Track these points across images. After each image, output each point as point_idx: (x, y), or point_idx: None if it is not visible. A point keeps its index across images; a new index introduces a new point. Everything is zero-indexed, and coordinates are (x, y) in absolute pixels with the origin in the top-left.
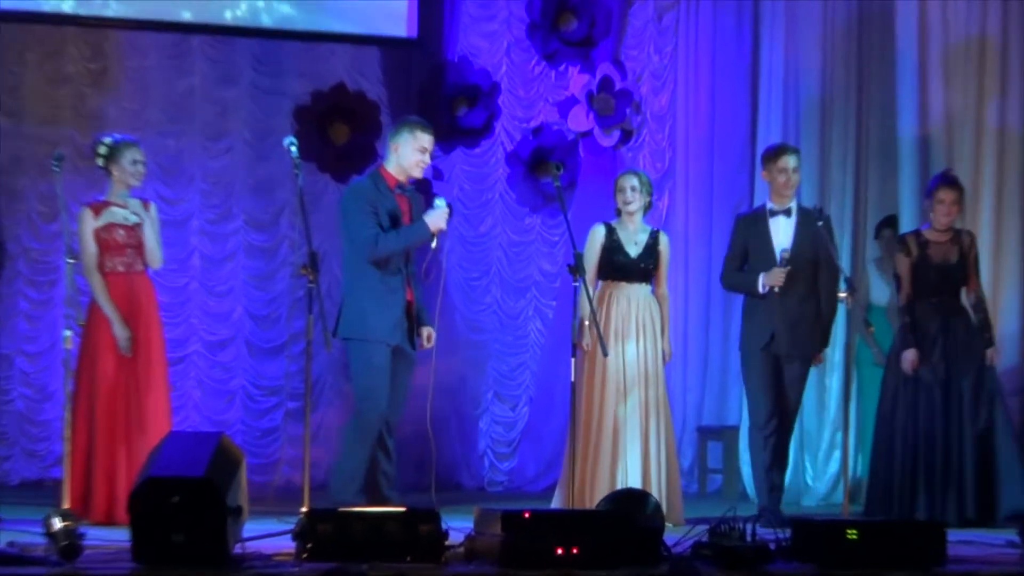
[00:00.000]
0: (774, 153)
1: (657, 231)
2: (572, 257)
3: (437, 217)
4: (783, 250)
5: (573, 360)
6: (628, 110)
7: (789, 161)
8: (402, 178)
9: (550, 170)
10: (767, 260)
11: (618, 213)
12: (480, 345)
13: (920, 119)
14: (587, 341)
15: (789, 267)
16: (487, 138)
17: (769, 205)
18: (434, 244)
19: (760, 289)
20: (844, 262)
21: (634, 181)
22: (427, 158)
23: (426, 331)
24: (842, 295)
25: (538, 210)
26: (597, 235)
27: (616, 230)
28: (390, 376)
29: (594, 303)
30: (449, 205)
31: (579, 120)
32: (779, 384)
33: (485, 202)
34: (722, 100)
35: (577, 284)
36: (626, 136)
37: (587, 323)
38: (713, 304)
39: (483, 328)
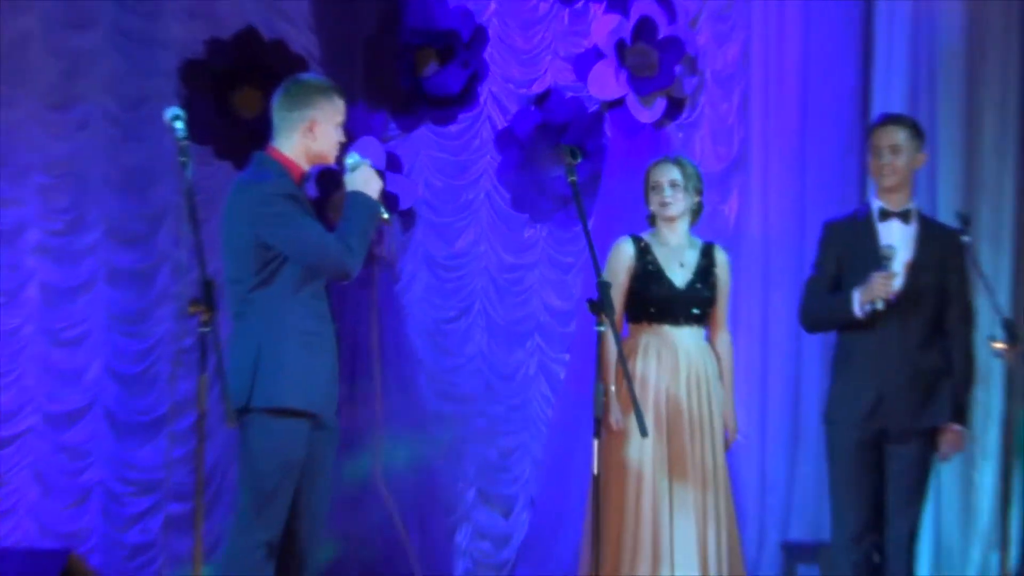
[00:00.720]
0: (868, 128)
1: (711, 246)
2: (595, 288)
3: (364, 177)
4: (888, 248)
5: (596, 443)
6: (678, 68)
7: (886, 135)
8: (307, 168)
9: (562, 158)
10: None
11: (652, 221)
12: (457, 420)
13: None
14: (616, 416)
15: (896, 273)
16: (468, 110)
17: (877, 204)
18: (386, 216)
19: (856, 311)
20: (1002, 296)
21: (674, 173)
22: (341, 134)
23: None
24: (998, 346)
25: (544, 218)
26: (623, 255)
27: (651, 247)
28: (300, 472)
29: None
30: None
31: (605, 83)
32: (883, 477)
33: (464, 206)
34: (819, 58)
35: (603, 329)
36: (675, 107)
37: (614, 388)
38: (807, 356)
39: (461, 394)
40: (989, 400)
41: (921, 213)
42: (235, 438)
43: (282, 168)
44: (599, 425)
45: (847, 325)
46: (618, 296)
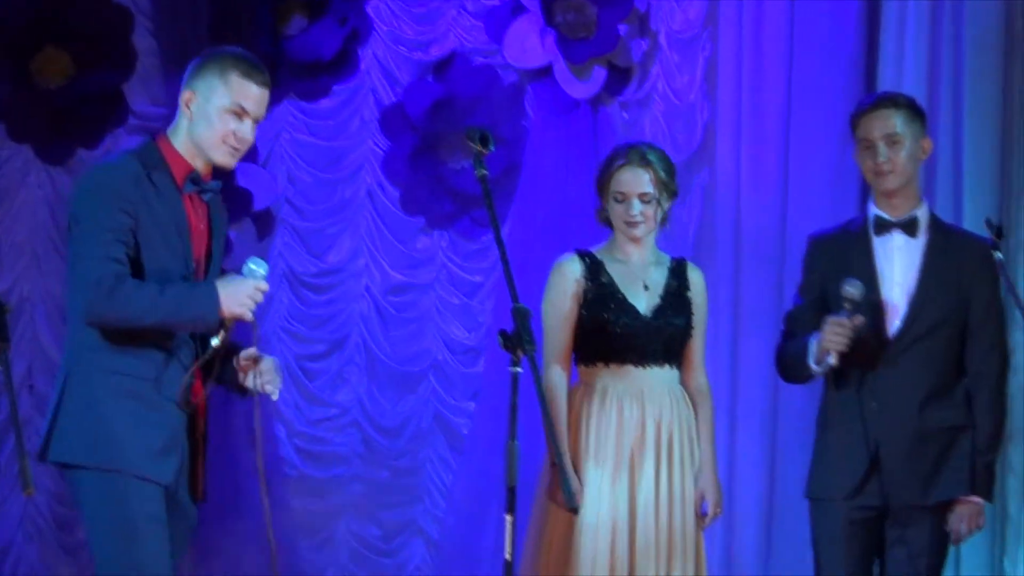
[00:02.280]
0: (853, 115)
1: (683, 262)
2: (509, 317)
3: (238, 293)
4: (852, 288)
5: (509, 520)
6: (623, 28)
7: (878, 123)
8: (198, 164)
9: (468, 144)
10: (867, 314)
11: (603, 219)
12: (326, 488)
13: None
14: (569, 496)
15: (862, 319)
16: (344, 81)
17: (873, 211)
18: (216, 340)
19: (812, 366)
20: None
21: (646, 184)
22: (246, 129)
23: (248, 355)
24: None
25: (444, 223)
26: (568, 277)
27: (605, 265)
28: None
29: (567, 408)
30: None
31: (526, 46)
32: (884, 566)
33: (339, 207)
34: (809, 17)
35: (518, 371)
36: (618, 79)
37: (556, 459)
38: (787, 406)
39: (331, 453)
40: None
41: (935, 220)
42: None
43: (156, 155)
44: (513, 496)
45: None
46: (564, 330)
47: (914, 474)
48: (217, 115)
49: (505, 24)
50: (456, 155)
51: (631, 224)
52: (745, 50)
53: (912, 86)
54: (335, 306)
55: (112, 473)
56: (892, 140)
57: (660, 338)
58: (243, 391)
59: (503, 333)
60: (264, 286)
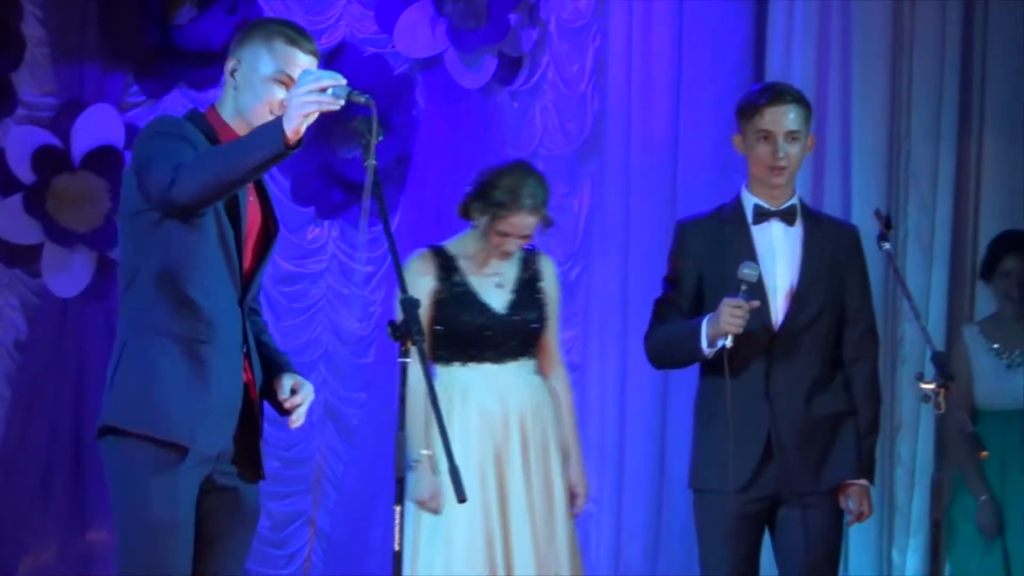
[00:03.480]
0: (752, 103)
1: (534, 253)
2: (397, 306)
3: (294, 99)
4: (749, 270)
5: (398, 510)
6: (513, 18)
7: (781, 117)
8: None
9: (357, 134)
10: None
11: (463, 213)
12: None
13: None
14: (427, 488)
15: (757, 302)
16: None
17: (751, 199)
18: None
19: (704, 348)
20: (933, 326)
21: (532, 218)
22: (270, 74)
23: (289, 382)
24: (927, 387)
25: (334, 213)
26: (421, 276)
27: (457, 261)
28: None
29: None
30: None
31: (417, 36)
32: (777, 558)
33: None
34: (695, 7)
35: (407, 361)
36: (508, 69)
37: (426, 451)
38: (676, 397)
39: None
40: (914, 458)
41: (806, 208)
42: None
43: (205, 123)
44: (402, 487)
45: (705, 361)
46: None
47: (806, 462)
48: (262, 83)
49: (396, 14)
50: (346, 145)
51: (506, 254)
52: (635, 40)
53: (800, 77)
54: None
55: (155, 442)
56: (792, 136)
57: (517, 334)
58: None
59: (392, 323)
60: (340, 84)
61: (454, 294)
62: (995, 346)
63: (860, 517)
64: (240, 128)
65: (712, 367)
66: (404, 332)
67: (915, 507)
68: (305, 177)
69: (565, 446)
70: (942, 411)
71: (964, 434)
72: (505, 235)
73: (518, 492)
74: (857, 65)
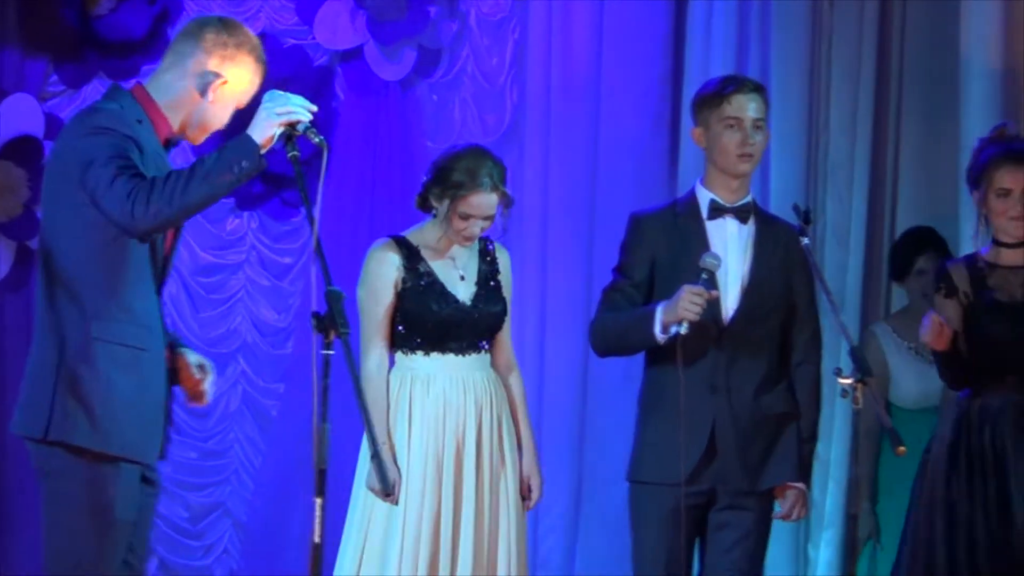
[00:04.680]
0: (716, 92)
1: (489, 243)
2: (322, 299)
3: (259, 118)
4: (712, 259)
5: (319, 503)
6: (433, 10)
7: (749, 104)
8: (179, 126)
9: (288, 127)
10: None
11: (423, 205)
12: None
13: (1008, 35)
14: (373, 479)
15: (717, 292)
16: (155, 60)
17: (707, 195)
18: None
19: (657, 334)
20: (849, 321)
21: (494, 198)
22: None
23: (195, 359)
24: (844, 382)
25: (253, 204)
26: (387, 266)
27: (421, 252)
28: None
29: (387, 394)
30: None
31: (337, 28)
32: (704, 555)
33: None
34: (615, 0)
35: (331, 353)
36: (428, 61)
37: (384, 444)
38: (596, 392)
39: None
40: (829, 453)
41: (758, 208)
42: None
43: (135, 105)
44: (323, 479)
45: (652, 352)
46: (382, 318)
47: (745, 460)
48: (234, 104)
49: (316, 5)
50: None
51: (468, 238)
52: (554, 34)
53: (720, 69)
54: None
55: (110, 459)
56: (758, 124)
57: (479, 326)
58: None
59: (316, 315)
60: (301, 112)
61: (420, 284)
62: (910, 345)
63: (788, 518)
64: (175, 120)
65: (659, 358)
66: (328, 324)
67: (828, 502)
68: None
69: (519, 439)
70: (859, 406)
71: (888, 430)
72: (467, 217)
73: (470, 483)
74: (776, 57)
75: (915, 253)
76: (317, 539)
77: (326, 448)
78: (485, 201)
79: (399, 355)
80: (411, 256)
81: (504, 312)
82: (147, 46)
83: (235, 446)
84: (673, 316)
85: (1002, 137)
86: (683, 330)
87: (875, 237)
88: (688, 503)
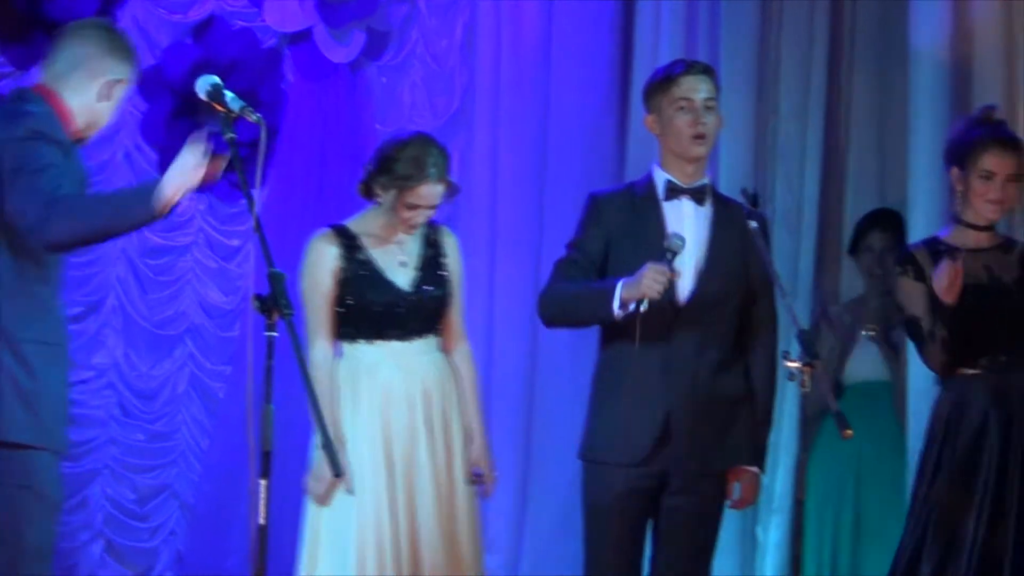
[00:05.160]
0: (665, 75)
1: (436, 228)
2: (265, 282)
3: (185, 167)
4: (676, 239)
5: (263, 484)
6: None
7: (699, 86)
8: (83, 126)
9: (223, 108)
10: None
11: (366, 192)
12: (79, 451)
13: (956, 24)
14: (321, 474)
15: (679, 273)
16: None
17: (663, 176)
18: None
19: (615, 310)
20: (800, 306)
21: (441, 187)
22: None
23: None
24: (792, 365)
25: (201, 186)
26: (325, 257)
27: (360, 240)
28: None
29: (334, 384)
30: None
31: (286, 10)
32: (656, 537)
33: (97, 169)
34: None
35: (274, 335)
36: (377, 43)
37: (322, 437)
38: (545, 374)
39: (86, 417)
40: (778, 437)
41: (715, 190)
42: None
43: (44, 105)
44: (268, 461)
45: (608, 331)
46: (324, 308)
47: (699, 443)
48: (93, 83)
49: None
50: (214, 118)
51: (413, 226)
52: (504, 16)
53: (668, 49)
54: (92, 268)
55: (52, 453)
56: (709, 105)
57: (422, 311)
58: None
59: (258, 297)
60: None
61: (359, 272)
62: (866, 333)
63: (741, 505)
64: (82, 118)
65: (615, 337)
66: (271, 306)
67: (777, 485)
68: (172, 149)
69: (468, 424)
70: (807, 389)
71: (834, 412)
72: (414, 207)
73: (423, 468)
74: (726, 41)
75: (867, 228)
76: (262, 521)
77: (271, 430)
78: (432, 191)
79: (345, 345)
80: (350, 245)
81: (447, 296)
82: None
83: (182, 428)
84: (635, 292)
85: (989, 120)
86: (643, 307)
87: (827, 223)
88: (640, 484)
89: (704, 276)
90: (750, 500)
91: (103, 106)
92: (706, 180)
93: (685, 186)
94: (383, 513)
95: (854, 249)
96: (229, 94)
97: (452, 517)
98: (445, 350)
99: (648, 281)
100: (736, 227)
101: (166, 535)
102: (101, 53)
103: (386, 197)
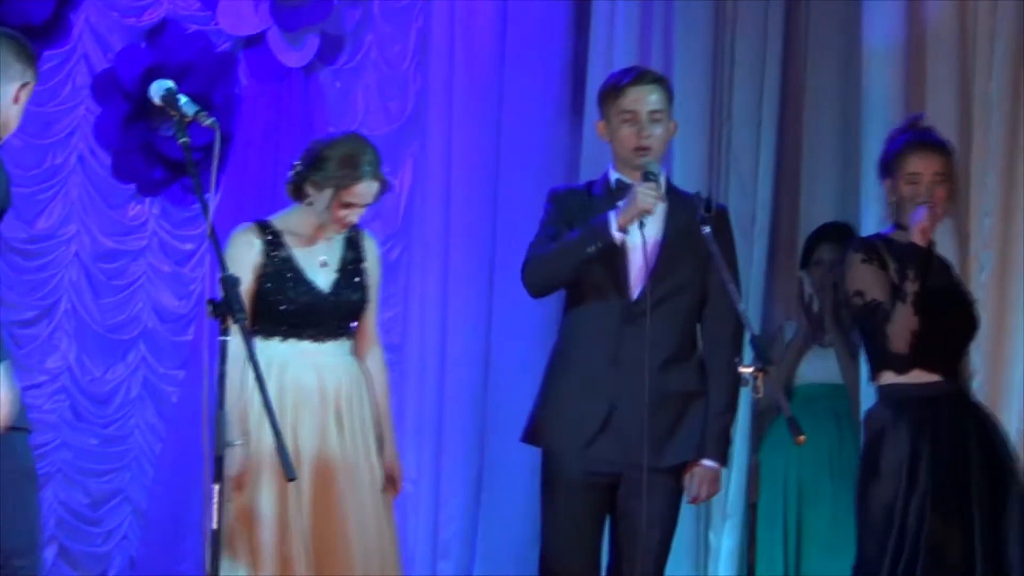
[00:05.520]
0: (613, 85)
1: (358, 232)
2: (219, 286)
3: None
4: (651, 165)
5: (216, 488)
6: None
7: (645, 96)
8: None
9: (177, 113)
10: (610, 267)
11: (295, 193)
12: (35, 456)
13: (909, 26)
14: (236, 463)
15: (662, 193)
16: (56, 46)
17: (614, 175)
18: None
19: (614, 232)
20: (752, 310)
21: (375, 187)
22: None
23: None
24: (745, 370)
25: (155, 190)
26: (246, 250)
27: (282, 237)
28: None
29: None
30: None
31: (239, 13)
32: (614, 539)
33: (50, 173)
34: None
35: (227, 339)
36: (331, 48)
37: (244, 434)
38: (497, 378)
39: (38, 421)
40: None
41: (671, 186)
42: None
43: None
44: (220, 465)
45: (564, 323)
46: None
47: (648, 437)
48: None
49: None
50: (168, 122)
51: (345, 219)
52: (457, 20)
53: (622, 53)
54: (45, 272)
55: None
56: (655, 116)
57: (338, 313)
58: None
59: (211, 301)
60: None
61: (279, 269)
62: (823, 346)
63: (696, 500)
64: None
65: (570, 327)
66: (224, 310)
67: (731, 490)
68: (126, 153)
69: (378, 428)
70: (760, 395)
71: (787, 418)
72: (349, 206)
73: (335, 466)
74: (679, 45)
75: (817, 242)
76: (215, 525)
77: (224, 434)
78: (368, 189)
79: (259, 340)
80: (273, 241)
81: (364, 300)
82: (49, 31)
83: (135, 432)
84: (632, 210)
85: (915, 127)
86: (632, 230)
87: (780, 228)
88: (595, 481)
89: (655, 270)
90: (706, 495)
91: (15, 109)
92: (659, 177)
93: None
94: (292, 516)
95: (805, 263)
96: (183, 98)
97: (361, 517)
98: (357, 354)
99: (643, 196)
100: (693, 222)
101: (119, 539)
102: (11, 59)
103: (319, 196)
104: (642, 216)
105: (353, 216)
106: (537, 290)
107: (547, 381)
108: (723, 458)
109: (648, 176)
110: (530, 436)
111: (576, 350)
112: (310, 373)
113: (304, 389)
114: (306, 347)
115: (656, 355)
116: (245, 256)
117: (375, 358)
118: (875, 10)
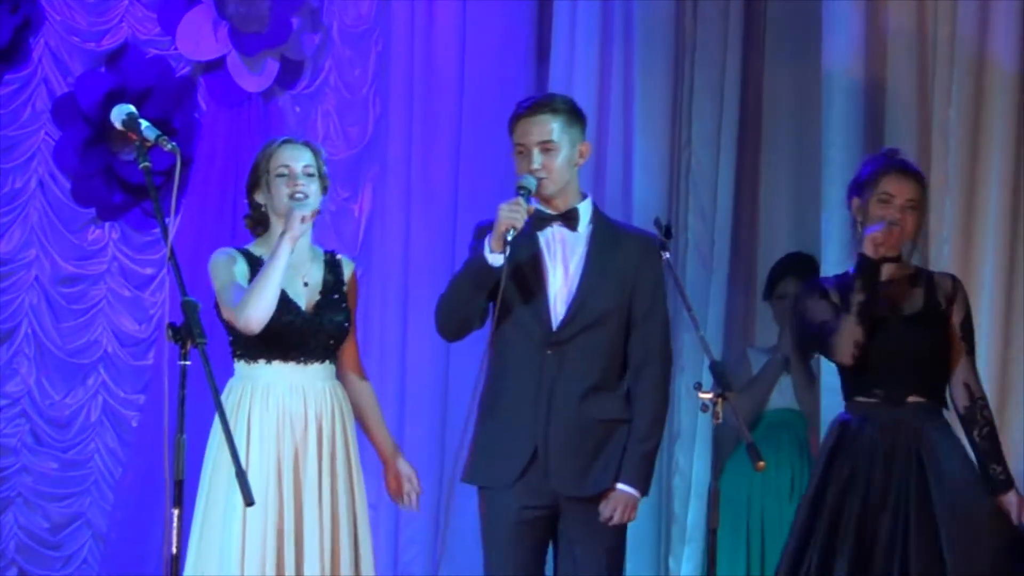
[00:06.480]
0: (512, 115)
1: (335, 256)
2: (179, 311)
3: None
4: (526, 181)
5: (176, 513)
6: (296, 21)
7: (533, 128)
8: None
9: (138, 137)
10: (532, 304)
11: (253, 226)
12: None
13: (868, 56)
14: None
15: (533, 207)
16: (16, 70)
17: (535, 205)
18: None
19: (488, 255)
20: (711, 336)
21: (307, 158)
22: None
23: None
24: (704, 396)
25: (115, 214)
26: (233, 261)
27: (264, 260)
28: None
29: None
30: None
31: (199, 38)
32: (557, 565)
33: (10, 197)
34: (478, 13)
35: (187, 364)
36: (290, 72)
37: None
38: (458, 398)
39: (2, 447)
40: (691, 466)
41: (598, 214)
42: None
43: None
44: (180, 490)
45: (491, 358)
46: (236, 280)
47: (572, 466)
48: None
49: (178, 15)
50: (128, 146)
51: (295, 198)
52: (417, 45)
53: (584, 82)
54: (4, 296)
55: None
56: (547, 147)
57: (322, 336)
58: None
59: (171, 326)
60: None
61: None
62: (787, 374)
63: (608, 523)
64: None
65: (495, 362)
66: (185, 335)
67: (691, 515)
68: (86, 178)
69: (386, 445)
70: (719, 421)
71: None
72: (285, 175)
73: (312, 494)
74: (640, 70)
75: (781, 275)
76: (174, 550)
77: (183, 459)
78: (294, 153)
79: (241, 364)
80: (254, 264)
81: (347, 322)
82: (9, 56)
83: (95, 457)
84: (498, 231)
85: (893, 156)
86: (510, 236)
87: (739, 254)
88: (530, 515)
89: (576, 300)
90: (619, 519)
91: None
92: (578, 204)
93: (554, 213)
94: (270, 538)
95: (768, 295)
96: (144, 123)
97: (336, 540)
98: (341, 377)
99: (504, 214)
100: (620, 251)
101: (79, 564)
102: None
103: (268, 194)
104: (507, 232)
105: (300, 189)
106: (446, 332)
107: (477, 418)
108: (642, 484)
109: (519, 191)
110: (466, 475)
111: (501, 383)
112: (294, 397)
113: (288, 413)
114: (291, 369)
115: (579, 384)
116: (236, 267)
117: (362, 380)
118: (834, 37)
